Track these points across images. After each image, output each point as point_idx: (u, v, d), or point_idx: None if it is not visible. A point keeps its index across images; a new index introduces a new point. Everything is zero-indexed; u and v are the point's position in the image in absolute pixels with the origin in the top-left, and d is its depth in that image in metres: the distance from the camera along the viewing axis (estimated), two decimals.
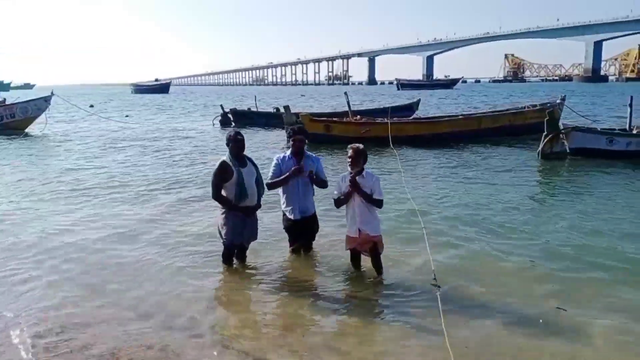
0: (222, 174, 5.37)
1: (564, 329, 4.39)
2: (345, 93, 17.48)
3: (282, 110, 25.48)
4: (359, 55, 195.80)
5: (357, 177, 5.29)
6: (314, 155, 5.89)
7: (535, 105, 18.47)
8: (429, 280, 5.25)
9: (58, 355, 3.99)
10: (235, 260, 5.78)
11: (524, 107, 18.69)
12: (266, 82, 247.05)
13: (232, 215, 5.44)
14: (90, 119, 28.56)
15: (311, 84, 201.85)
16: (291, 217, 5.72)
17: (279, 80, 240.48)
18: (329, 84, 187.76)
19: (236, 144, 5.42)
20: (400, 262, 5.81)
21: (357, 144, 5.46)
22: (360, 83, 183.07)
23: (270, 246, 6.29)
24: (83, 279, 5.55)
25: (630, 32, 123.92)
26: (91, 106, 39.56)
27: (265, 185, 5.64)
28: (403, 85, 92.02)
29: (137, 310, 4.79)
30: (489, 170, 11.79)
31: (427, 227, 6.32)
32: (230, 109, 25.80)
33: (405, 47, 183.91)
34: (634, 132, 12.81)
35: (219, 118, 25.16)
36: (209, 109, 38.81)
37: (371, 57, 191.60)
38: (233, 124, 24.87)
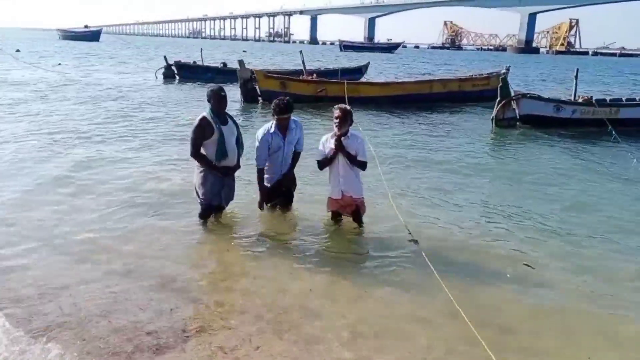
0: (202, 131, 5.09)
1: (533, 285, 4.61)
2: (301, 52, 17.14)
3: (229, 65, 24.93)
4: (301, 12, 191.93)
5: (342, 138, 5.22)
6: (297, 121, 5.71)
7: (482, 74, 19.20)
8: (404, 236, 5.36)
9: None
10: (214, 216, 5.62)
11: (472, 75, 19.35)
12: (203, 35, 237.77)
13: (211, 174, 5.22)
14: (18, 65, 26.42)
15: (251, 40, 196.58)
16: (267, 184, 5.69)
17: (217, 34, 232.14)
18: (270, 41, 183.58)
19: (219, 101, 5.14)
20: (374, 220, 5.82)
21: (344, 105, 5.37)
22: (301, 42, 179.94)
23: (248, 205, 6.09)
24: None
25: (563, 5, 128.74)
26: (17, 51, 36.68)
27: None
28: (346, 46, 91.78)
29: (117, 269, 4.56)
30: (446, 134, 12.09)
31: (392, 188, 6.49)
32: (175, 61, 24.61)
33: (348, 7, 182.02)
34: (580, 101, 13.41)
35: (162, 70, 24.00)
36: (147, 60, 37.01)
37: (313, 16, 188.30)
38: (177, 77, 23.91)
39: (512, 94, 13.23)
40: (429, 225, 5.91)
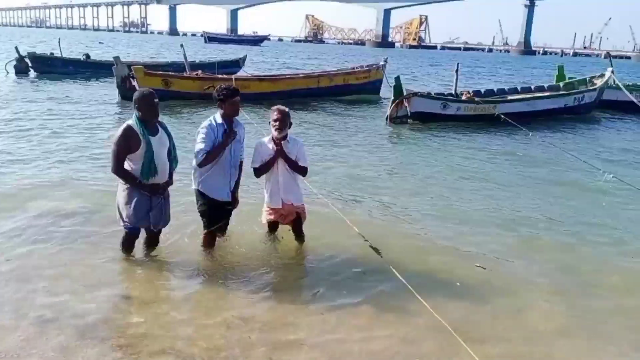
0: (126, 143, 4.23)
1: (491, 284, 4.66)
2: (182, 45, 15.95)
3: (94, 57, 22.76)
4: (159, 2, 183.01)
5: (282, 143, 4.76)
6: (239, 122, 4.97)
7: (363, 66, 19.64)
8: (353, 241, 5.05)
9: None
10: (144, 246, 4.79)
11: (354, 68, 19.68)
12: (48, 24, 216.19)
13: (137, 193, 4.37)
14: None
15: (104, 30, 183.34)
16: (218, 197, 4.67)
17: (63, 23, 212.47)
18: (125, 31, 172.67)
19: (150, 108, 4.28)
20: (321, 230, 5.40)
21: (282, 106, 4.87)
22: (160, 32, 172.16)
23: (176, 230, 5.28)
24: None
25: (414, 3, 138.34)
26: None
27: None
28: (211, 38, 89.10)
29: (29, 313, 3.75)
30: (345, 132, 12.00)
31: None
32: (28, 53, 21.78)
33: None
34: (463, 97, 14.21)
35: (14, 63, 21.06)
36: None
37: (172, 5, 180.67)
38: (32, 70, 21.22)
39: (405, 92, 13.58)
40: (376, 229, 5.64)
